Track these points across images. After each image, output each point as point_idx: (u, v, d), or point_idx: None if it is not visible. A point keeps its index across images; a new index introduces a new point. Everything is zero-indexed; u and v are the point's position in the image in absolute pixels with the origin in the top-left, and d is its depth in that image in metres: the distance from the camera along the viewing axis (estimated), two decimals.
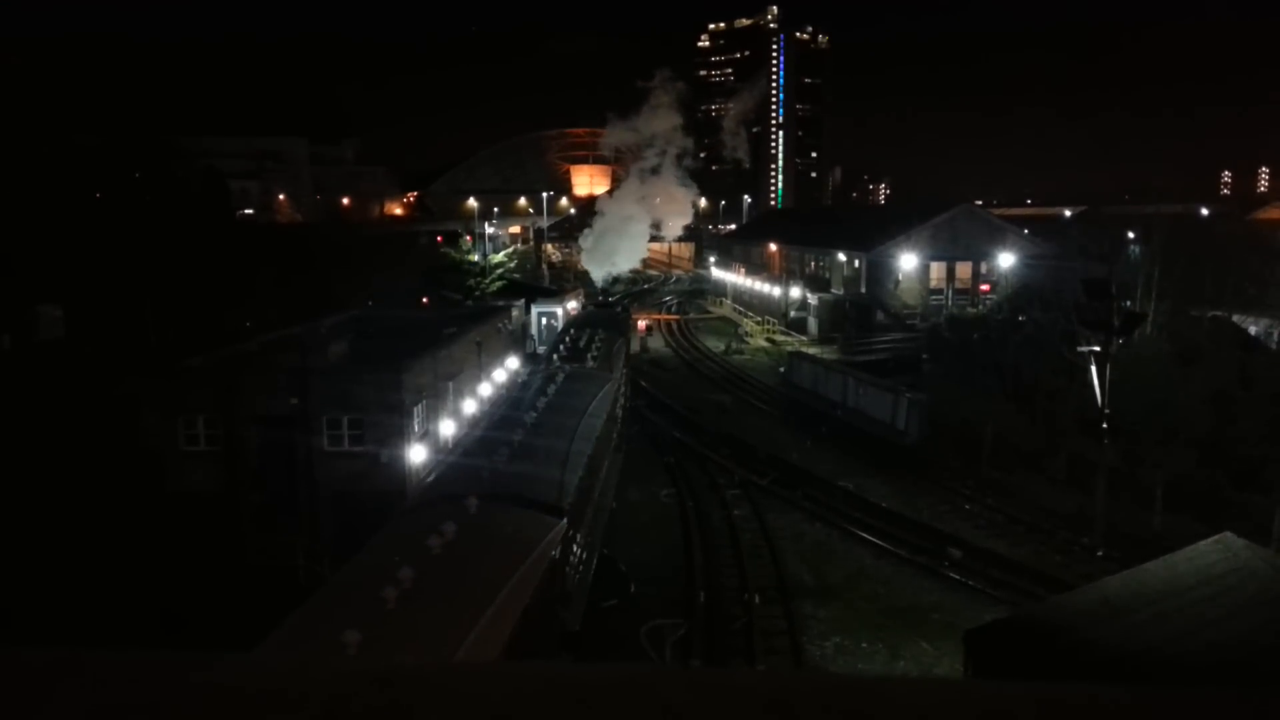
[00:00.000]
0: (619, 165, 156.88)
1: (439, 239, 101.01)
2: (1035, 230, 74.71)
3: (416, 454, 29.05)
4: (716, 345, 65.74)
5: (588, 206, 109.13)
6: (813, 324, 66.41)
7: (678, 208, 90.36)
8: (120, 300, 51.44)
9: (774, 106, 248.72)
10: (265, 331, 39.37)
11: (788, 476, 34.09)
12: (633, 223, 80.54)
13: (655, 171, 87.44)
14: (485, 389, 37.44)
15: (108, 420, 31.77)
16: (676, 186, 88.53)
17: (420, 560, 12.67)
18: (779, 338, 67.70)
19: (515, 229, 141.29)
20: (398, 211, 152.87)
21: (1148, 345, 36.91)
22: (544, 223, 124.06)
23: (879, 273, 67.28)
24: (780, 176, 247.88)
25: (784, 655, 21.04)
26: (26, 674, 1.17)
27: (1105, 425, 26.34)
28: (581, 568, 19.49)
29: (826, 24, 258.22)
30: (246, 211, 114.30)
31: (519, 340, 53.48)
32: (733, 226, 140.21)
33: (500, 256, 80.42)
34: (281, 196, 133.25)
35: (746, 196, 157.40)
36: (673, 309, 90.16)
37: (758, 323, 74.43)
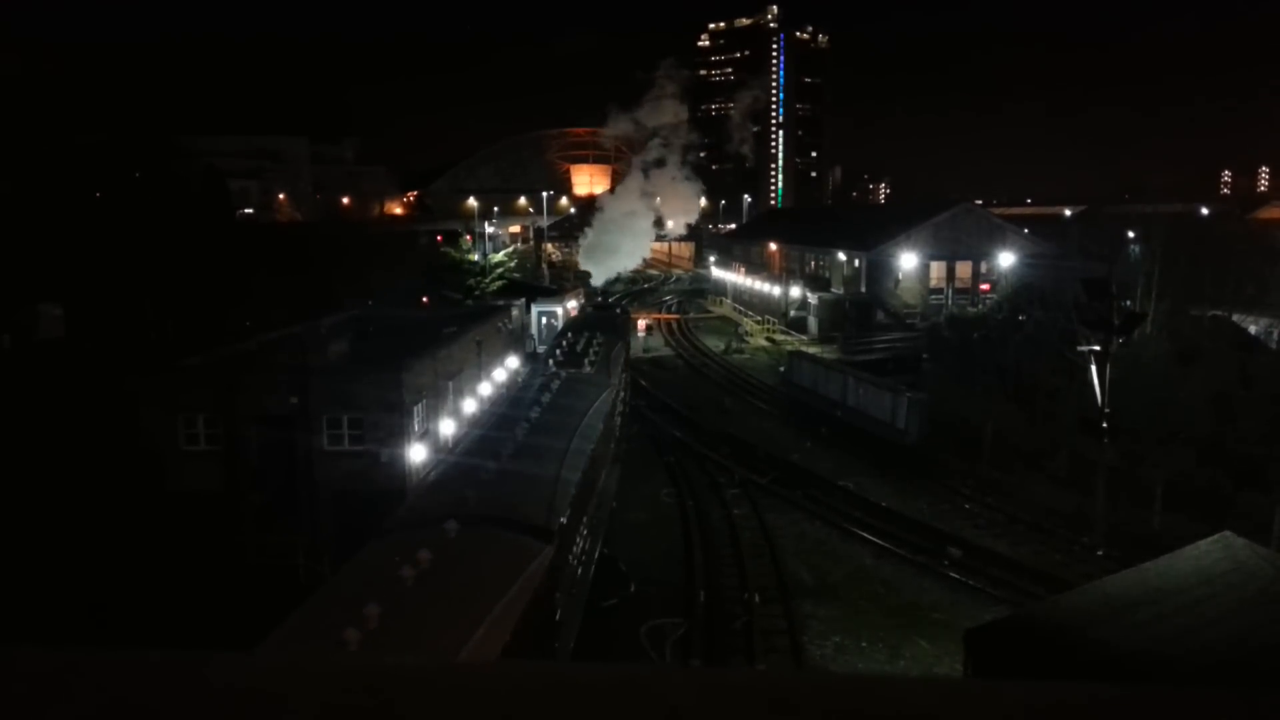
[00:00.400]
0: (619, 165, 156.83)
1: (439, 238, 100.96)
2: (1035, 230, 74.71)
3: (416, 453, 29.06)
4: (716, 344, 65.73)
5: (588, 206, 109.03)
6: (813, 323, 66.41)
7: (682, 203, 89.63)
8: (120, 299, 51.44)
9: (774, 106, 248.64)
10: (265, 331, 39.36)
11: (788, 476, 34.09)
12: (636, 219, 79.34)
13: (660, 164, 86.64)
14: (485, 388, 37.46)
15: (108, 419, 31.76)
16: (682, 181, 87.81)
17: (390, 594, 11.77)
18: (779, 337, 67.69)
19: (515, 228, 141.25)
20: (398, 211, 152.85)
21: (1148, 345, 36.90)
22: (544, 222, 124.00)
23: (879, 272, 67.28)
24: (780, 176, 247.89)
25: (784, 654, 21.04)
26: (26, 674, 1.17)
27: (1105, 424, 26.34)
28: (574, 592, 18.28)
29: (826, 23, 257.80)
30: (246, 211, 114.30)
31: (519, 339, 53.48)
32: (733, 226, 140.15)
33: (500, 256, 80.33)
34: (281, 196, 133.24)
35: (747, 196, 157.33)
36: (673, 308, 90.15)
37: (758, 322, 74.42)
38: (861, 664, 21.03)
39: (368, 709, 1.11)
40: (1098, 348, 26.43)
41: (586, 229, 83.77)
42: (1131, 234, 55.80)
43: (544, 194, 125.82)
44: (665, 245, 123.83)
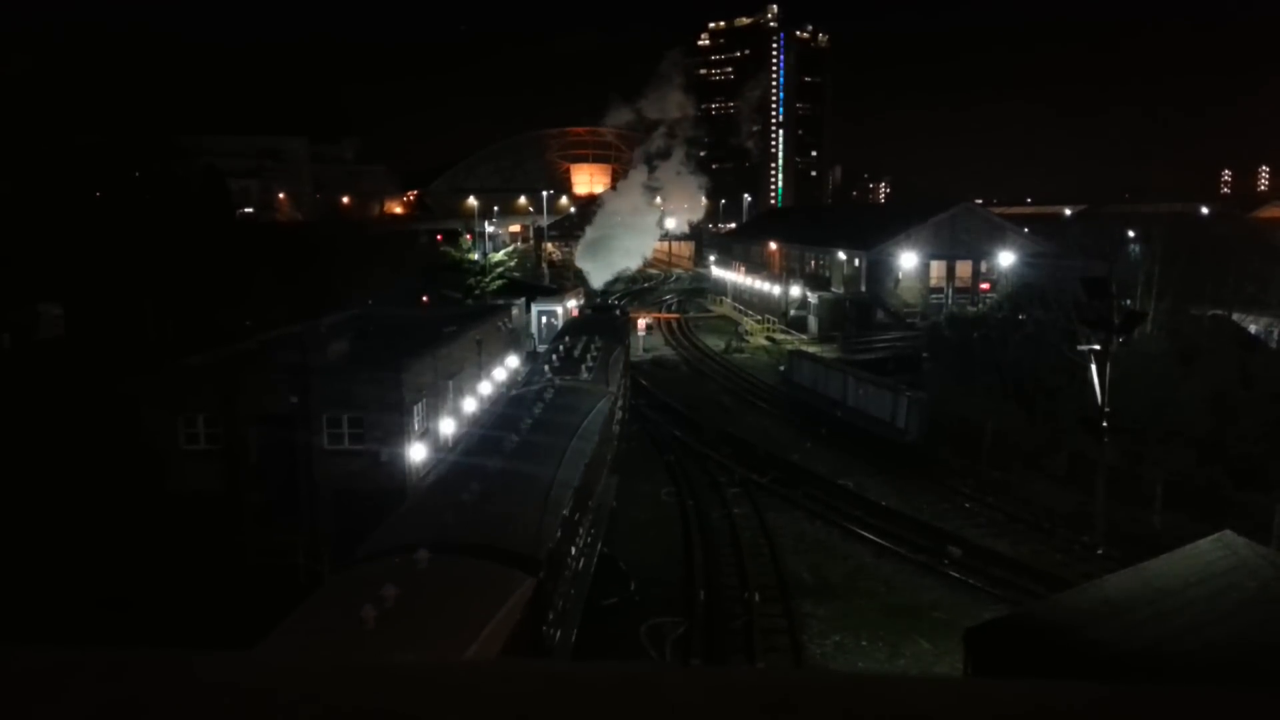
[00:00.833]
0: (619, 164, 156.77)
1: (439, 238, 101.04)
2: (1035, 229, 74.69)
3: (416, 452, 29.08)
4: (716, 344, 65.74)
5: (588, 205, 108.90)
6: (813, 323, 66.41)
7: (688, 199, 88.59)
8: (120, 299, 51.45)
9: (774, 105, 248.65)
10: (265, 330, 39.38)
11: (788, 475, 34.09)
12: (640, 215, 77.87)
13: (664, 155, 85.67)
14: (485, 387, 37.48)
15: (108, 419, 31.76)
16: (687, 175, 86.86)
17: (347, 640, 10.72)
18: (779, 336, 67.70)
19: (515, 228, 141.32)
20: (398, 210, 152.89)
21: (1148, 344, 36.90)
22: (544, 221, 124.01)
23: (879, 271, 67.28)
24: (780, 175, 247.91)
25: (784, 653, 21.04)
26: (26, 674, 1.17)
27: (1105, 424, 26.34)
28: (565, 624, 16.74)
29: (827, 23, 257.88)
30: (246, 210, 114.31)
31: (519, 339, 53.48)
32: (733, 225, 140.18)
33: (500, 255, 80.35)
34: (281, 195, 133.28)
35: (747, 195, 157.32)
36: (673, 307, 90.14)
37: (758, 321, 74.42)
38: (861, 663, 21.03)
39: (368, 708, 1.11)
40: (1098, 347, 26.42)
41: (586, 227, 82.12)
42: (1131, 233, 55.82)
43: (544, 193, 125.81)
44: (665, 244, 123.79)
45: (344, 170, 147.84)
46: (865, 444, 37.48)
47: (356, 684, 1.16)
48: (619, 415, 31.57)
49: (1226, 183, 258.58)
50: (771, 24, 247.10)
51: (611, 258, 74.80)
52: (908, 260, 67.30)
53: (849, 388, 41.22)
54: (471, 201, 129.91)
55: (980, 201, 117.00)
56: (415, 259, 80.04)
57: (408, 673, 1.19)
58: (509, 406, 25.79)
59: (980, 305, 61.64)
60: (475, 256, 75.94)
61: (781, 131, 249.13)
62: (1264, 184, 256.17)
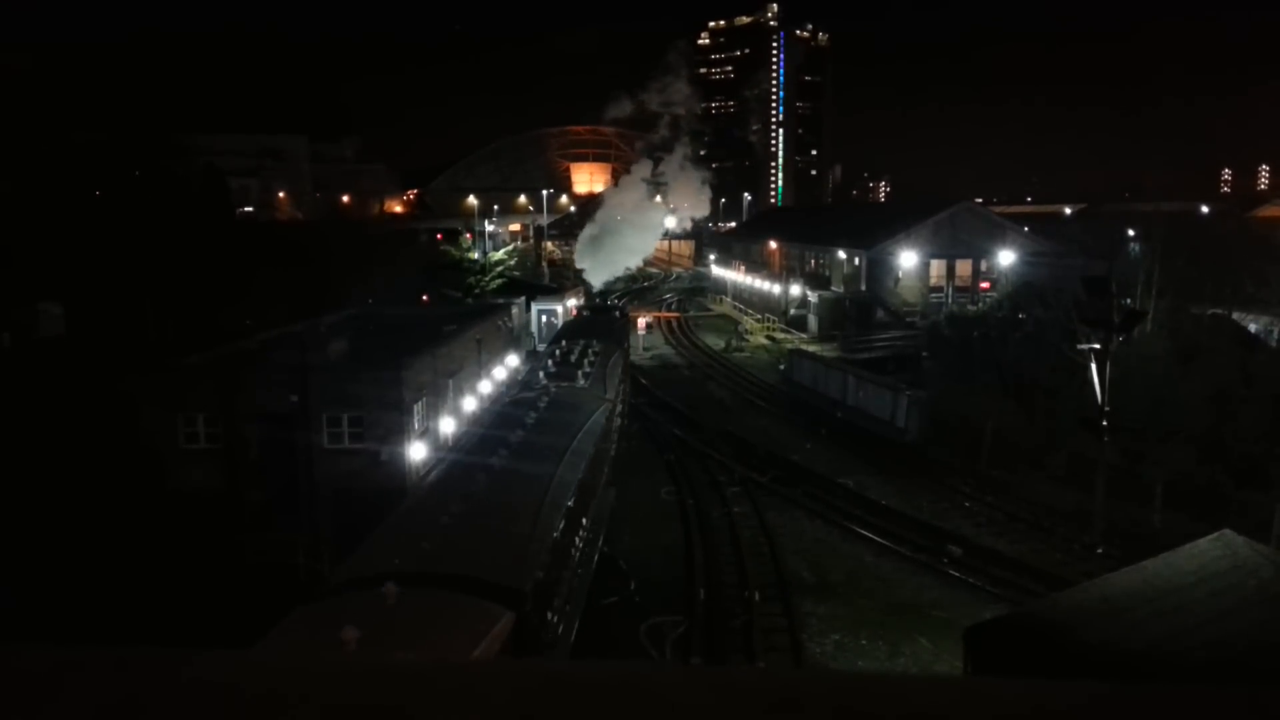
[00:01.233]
0: (619, 163, 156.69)
1: (439, 236, 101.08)
2: (1035, 228, 74.72)
3: (416, 451, 29.09)
4: (717, 343, 65.75)
5: (588, 204, 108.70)
6: (813, 321, 66.42)
7: (693, 194, 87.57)
8: (120, 298, 51.46)
9: (774, 104, 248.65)
10: (265, 329, 39.39)
11: (788, 474, 34.09)
12: (644, 211, 76.46)
13: (668, 147, 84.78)
14: (485, 386, 37.49)
15: (107, 418, 31.76)
16: (692, 170, 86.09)
17: None
18: (779, 335, 67.70)
19: (515, 227, 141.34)
20: (398, 209, 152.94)
21: (1148, 343, 36.91)
22: (544, 220, 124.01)
23: (879, 270, 67.27)
24: (780, 174, 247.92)
25: (784, 653, 21.04)
26: (26, 674, 1.17)
27: (1105, 423, 26.34)
28: (555, 658, 15.17)
29: (826, 21, 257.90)
30: (246, 209, 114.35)
31: (519, 338, 53.49)
32: (733, 224, 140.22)
33: (500, 254, 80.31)
34: (281, 194, 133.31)
35: (746, 194, 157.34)
36: (673, 306, 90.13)
37: (758, 320, 74.42)
38: (861, 662, 21.04)
39: (367, 708, 1.11)
40: (1098, 346, 26.41)
41: (588, 223, 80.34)
42: (1131, 232, 55.85)
43: (544, 192, 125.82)
44: (665, 243, 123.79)
45: (344, 169, 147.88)
46: (865, 443, 37.48)
47: (356, 684, 1.16)
48: (618, 423, 30.45)
49: (1226, 182, 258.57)
50: (771, 23, 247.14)
51: (614, 255, 73.10)
52: (908, 259, 67.30)
53: (849, 387, 41.25)
54: (471, 200, 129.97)
55: (980, 200, 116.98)
56: (415, 258, 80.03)
57: (408, 673, 1.19)
58: (501, 415, 24.44)
59: (980, 304, 61.63)
60: (475, 255, 75.90)
61: (781, 130, 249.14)
62: (1264, 184, 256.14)
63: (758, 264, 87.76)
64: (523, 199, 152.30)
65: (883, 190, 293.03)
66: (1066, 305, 37.29)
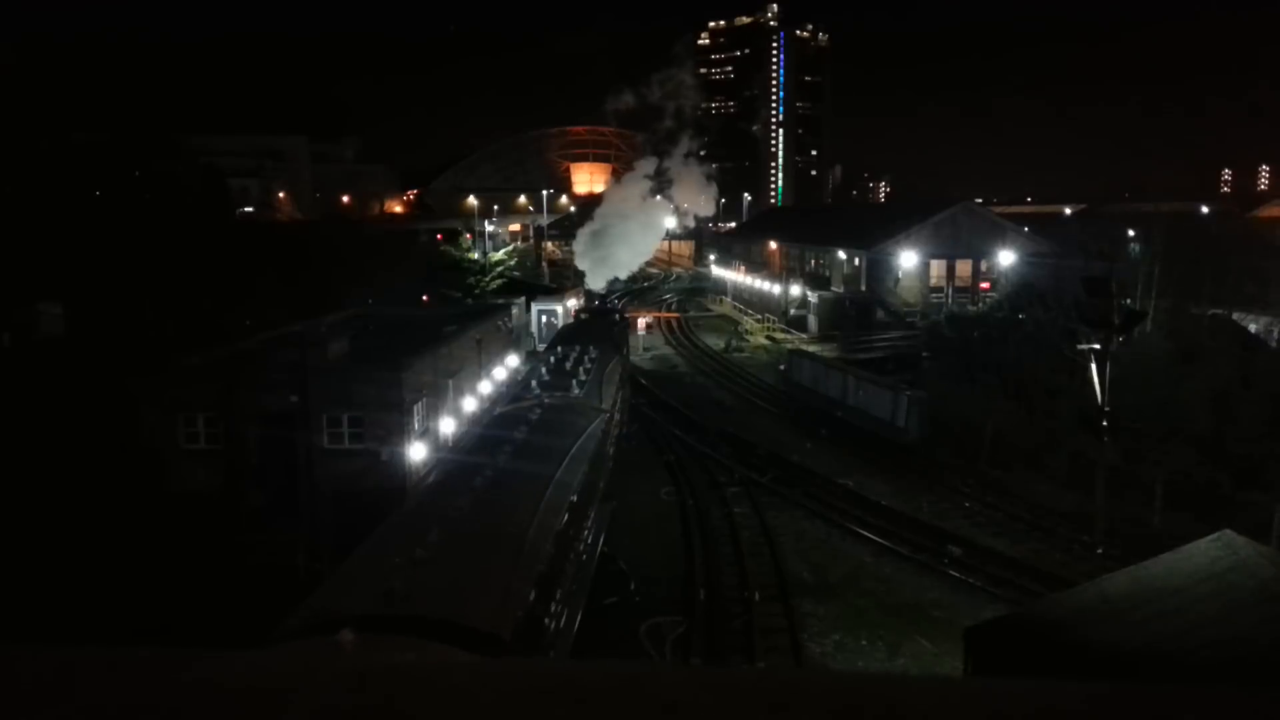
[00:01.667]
0: (619, 164, 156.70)
1: (439, 237, 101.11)
2: (1035, 228, 74.76)
3: (416, 452, 29.09)
4: (716, 343, 65.75)
5: (588, 203, 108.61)
6: (813, 322, 66.43)
7: (698, 190, 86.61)
8: (120, 298, 51.47)
9: (774, 105, 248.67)
10: (265, 329, 39.39)
11: (787, 474, 34.10)
12: (649, 208, 74.97)
13: (673, 139, 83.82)
14: (485, 387, 37.49)
15: (107, 418, 31.76)
16: (696, 166, 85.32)
17: None
18: (779, 335, 67.70)
19: (515, 227, 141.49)
20: (398, 209, 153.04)
21: (1148, 343, 36.92)
22: (544, 220, 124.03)
23: (879, 270, 67.30)
24: (780, 174, 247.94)
25: (784, 653, 21.03)
26: (27, 674, 1.17)
27: (1105, 423, 26.34)
28: None
29: (826, 21, 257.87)
30: (246, 209, 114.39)
31: (519, 338, 53.50)
32: (733, 224, 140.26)
33: (500, 254, 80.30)
34: (282, 194, 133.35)
35: (746, 194, 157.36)
36: (673, 307, 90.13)
37: (758, 320, 74.42)
38: (861, 662, 21.03)
39: (368, 708, 1.11)
40: (1098, 346, 26.41)
41: (588, 221, 78.45)
42: (1132, 232, 55.88)
43: (544, 192, 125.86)
44: (666, 243, 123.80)
45: (344, 170, 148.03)
46: (865, 443, 37.48)
47: (356, 684, 1.16)
48: (615, 432, 29.36)
49: (1226, 182, 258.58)
50: (771, 23, 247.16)
51: (618, 253, 71.15)
52: (908, 259, 67.32)
53: (849, 387, 41.24)
54: (471, 201, 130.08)
55: (980, 200, 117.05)
56: (415, 258, 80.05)
57: (408, 673, 1.19)
58: (490, 428, 22.88)
59: (980, 304, 61.68)
60: (475, 256, 75.87)
61: (781, 131, 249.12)
62: (1264, 184, 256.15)
63: (758, 264, 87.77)
64: (523, 199, 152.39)
65: (883, 190, 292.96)
66: (1066, 305, 37.29)
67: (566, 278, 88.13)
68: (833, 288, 70.39)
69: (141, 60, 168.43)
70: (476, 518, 15.17)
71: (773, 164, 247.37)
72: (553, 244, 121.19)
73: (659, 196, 79.41)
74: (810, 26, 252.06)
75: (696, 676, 1.20)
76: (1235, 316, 44.44)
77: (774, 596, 23.88)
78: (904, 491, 32.24)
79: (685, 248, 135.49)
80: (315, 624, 11.34)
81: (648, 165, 79.72)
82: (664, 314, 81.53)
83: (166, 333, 47.55)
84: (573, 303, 64.81)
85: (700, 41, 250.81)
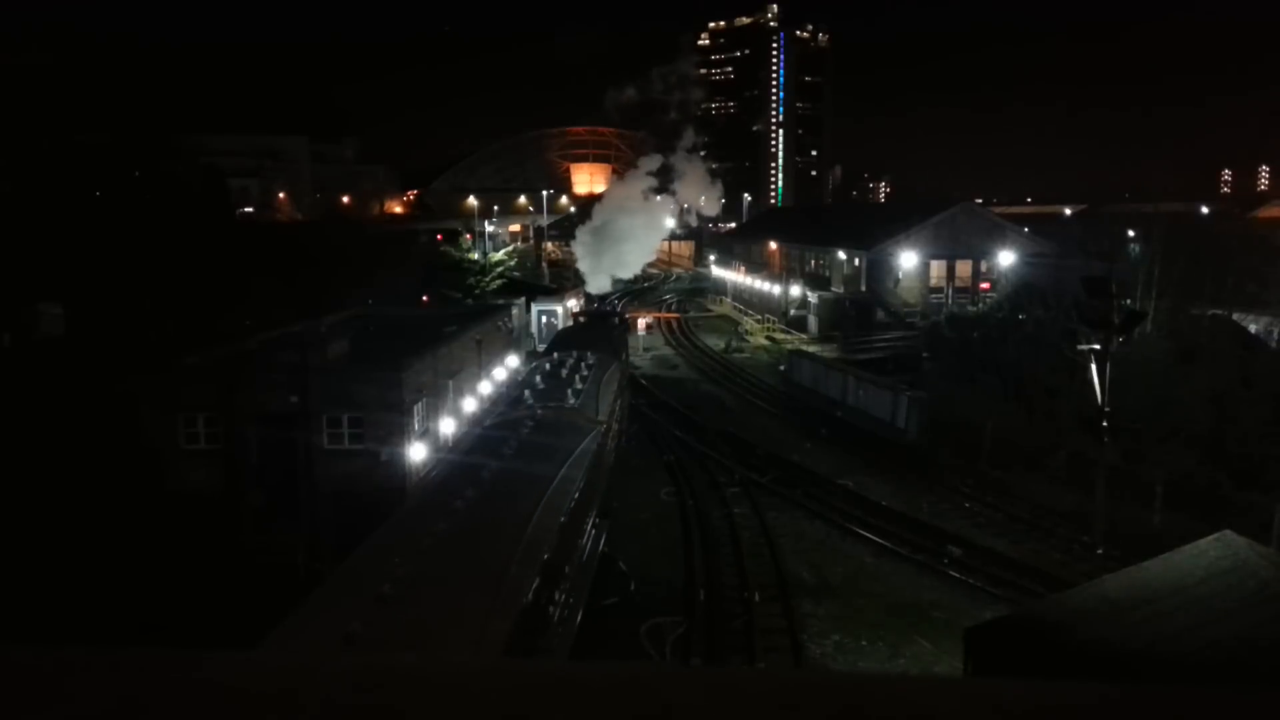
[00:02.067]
0: (619, 164, 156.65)
1: (439, 237, 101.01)
2: (1035, 229, 74.80)
3: (416, 452, 29.09)
4: (716, 343, 65.74)
5: (587, 204, 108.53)
6: (813, 322, 66.44)
7: (702, 187, 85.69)
8: (120, 298, 51.47)
9: (774, 105, 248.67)
10: (265, 330, 39.38)
11: (787, 474, 34.10)
12: (653, 205, 73.38)
13: (676, 132, 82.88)
14: (485, 387, 37.49)
15: (107, 418, 31.76)
16: (700, 163, 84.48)
17: None
18: (779, 336, 67.71)
19: (515, 227, 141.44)
20: (398, 210, 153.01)
21: (1148, 343, 36.91)
22: (544, 221, 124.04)
23: (879, 271, 67.30)
24: (780, 175, 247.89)
25: (784, 653, 21.04)
26: (26, 674, 1.17)
27: (1105, 423, 26.34)
28: None
29: (826, 22, 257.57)
30: (247, 210, 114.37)
31: (519, 339, 53.49)
32: (733, 225, 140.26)
33: (500, 255, 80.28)
34: (282, 195, 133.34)
35: (746, 194, 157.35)
36: (673, 307, 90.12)
37: (758, 321, 74.42)
38: (861, 662, 21.03)
39: (368, 708, 1.11)
40: (1098, 346, 26.41)
41: (589, 220, 76.27)
42: (1132, 233, 55.88)
43: (544, 193, 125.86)
44: (666, 244, 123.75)
45: (344, 170, 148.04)
46: (865, 444, 37.47)
47: (357, 684, 1.16)
48: (613, 443, 28.16)
49: (1226, 183, 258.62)
50: (771, 24, 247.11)
51: (620, 252, 69.10)
52: (908, 260, 67.32)
53: (849, 387, 41.26)
54: (471, 201, 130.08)
55: (980, 201, 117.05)
56: (415, 259, 79.98)
57: (408, 672, 1.18)
58: (477, 445, 21.71)
59: (980, 305, 61.66)
60: (475, 256, 75.85)
61: (781, 131, 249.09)
62: (1264, 184, 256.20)
63: (758, 264, 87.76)
64: (523, 199, 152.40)
65: (883, 191, 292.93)
66: (1066, 306, 37.29)
67: (566, 278, 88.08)
68: (833, 288, 70.38)
69: (142, 61, 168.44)
70: (454, 547, 13.99)
71: (773, 164, 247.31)
72: (553, 244, 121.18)
73: (659, 197, 78.86)
74: (810, 27, 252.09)
75: (696, 676, 1.20)
76: (1235, 317, 44.43)
77: (774, 597, 23.88)
78: (904, 492, 32.25)
79: (685, 248, 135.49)
80: None
81: (651, 162, 78.96)
82: (664, 314, 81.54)
83: (166, 333, 47.55)
84: (573, 303, 64.77)
85: (700, 42, 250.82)
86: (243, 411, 28.83)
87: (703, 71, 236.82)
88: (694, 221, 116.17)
